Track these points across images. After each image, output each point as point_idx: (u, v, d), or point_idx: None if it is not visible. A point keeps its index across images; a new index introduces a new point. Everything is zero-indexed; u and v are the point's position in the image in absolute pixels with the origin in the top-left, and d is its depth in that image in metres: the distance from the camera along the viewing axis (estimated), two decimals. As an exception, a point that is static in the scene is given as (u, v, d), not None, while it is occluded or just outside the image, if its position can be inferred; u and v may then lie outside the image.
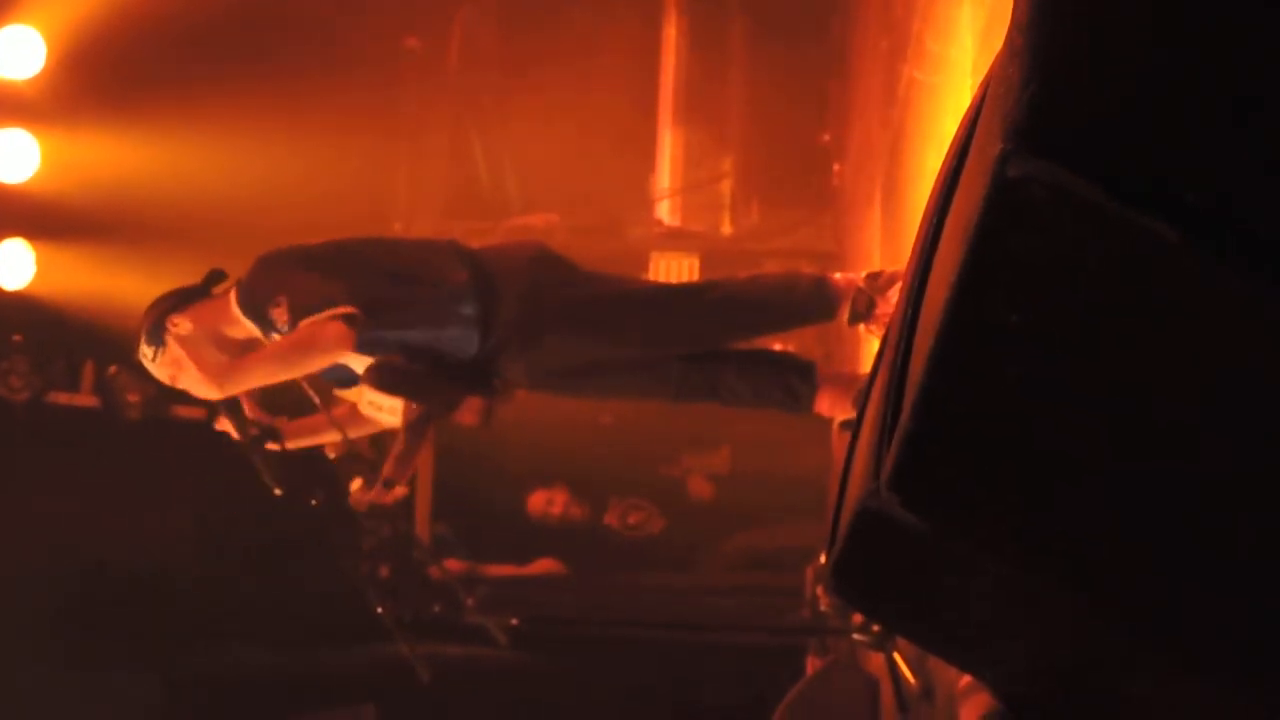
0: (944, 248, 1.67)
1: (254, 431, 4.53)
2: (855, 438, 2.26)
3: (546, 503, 7.95)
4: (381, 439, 5.15)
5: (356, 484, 4.72)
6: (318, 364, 4.48)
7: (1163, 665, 1.66)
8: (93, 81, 7.38)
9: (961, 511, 1.61)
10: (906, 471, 1.60)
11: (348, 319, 4.40)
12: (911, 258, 1.95)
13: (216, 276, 4.64)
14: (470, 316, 4.53)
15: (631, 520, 8.08)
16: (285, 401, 4.77)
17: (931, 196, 1.98)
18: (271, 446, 4.59)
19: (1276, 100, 1.22)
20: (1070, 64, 1.25)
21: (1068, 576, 1.60)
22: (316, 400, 4.70)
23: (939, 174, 1.98)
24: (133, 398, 6.67)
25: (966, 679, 3.81)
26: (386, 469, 4.71)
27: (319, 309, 4.39)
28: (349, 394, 4.72)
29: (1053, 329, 1.31)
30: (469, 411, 4.62)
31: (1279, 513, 1.35)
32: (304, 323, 4.39)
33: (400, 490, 4.77)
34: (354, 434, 4.84)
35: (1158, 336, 1.28)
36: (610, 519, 8.07)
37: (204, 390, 4.50)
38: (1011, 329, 1.31)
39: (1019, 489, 1.49)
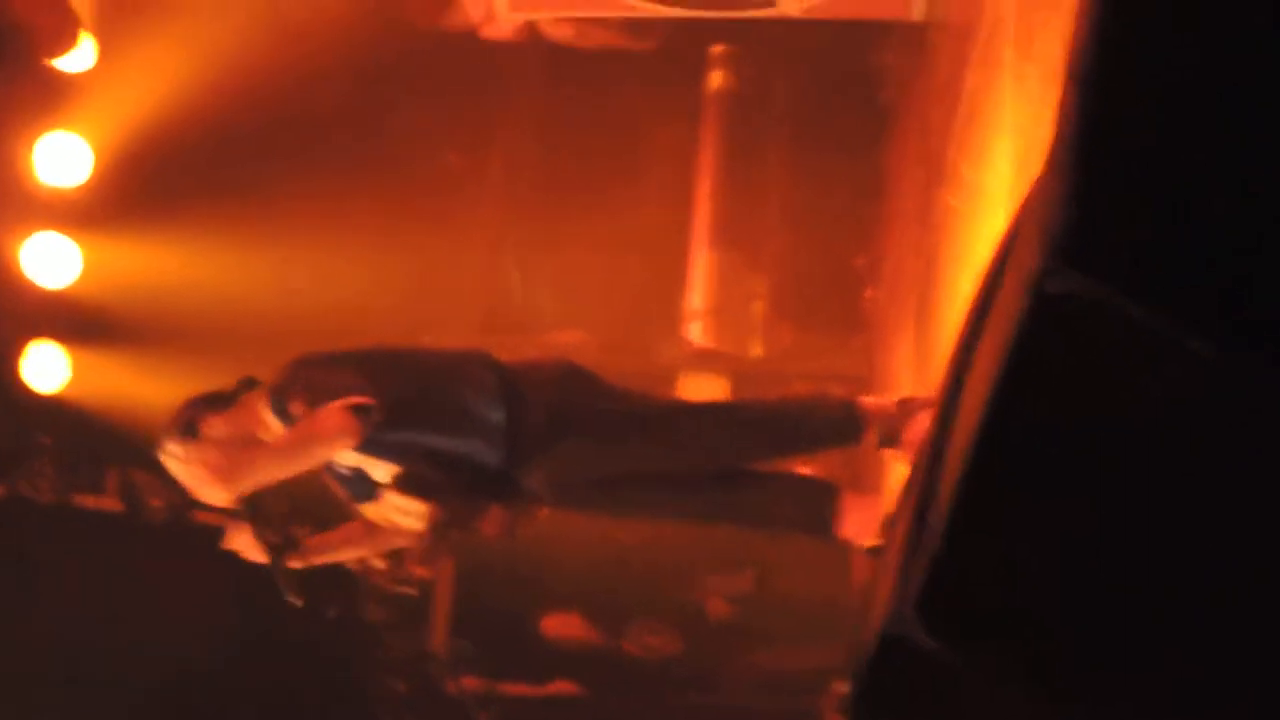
0: (977, 369, 1.64)
1: (275, 540, 4.49)
2: (882, 562, 2.22)
3: (561, 626, 7.92)
4: (399, 554, 5.12)
5: (382, 565, 4.67)
6: (322, 452, 4.39)
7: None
8: (136, 189, 7.45)
9: (984, 639, 1.57)
10: (932, 596, 1.56)
11: (359, 410, 4.36)
12: (944, 378, 1.93)
13: (249, 384, 4.62)
14: (496, 425, 4.50)
15: (649, 643, 8.02)
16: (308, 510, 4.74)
17: (966, 318, 1.96)
18: (291, 561, 4.54)
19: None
20: (1113, 182, 1.24)
21: (1094, 710, 1.55)
22: (352, 510, 4.66)
23: (974, 295, 1.96)
24: (156, 502, 6.67)
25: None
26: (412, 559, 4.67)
27: (336, 397, 4.35)
28: (368, 509, 4.69)
29: (1088, 448, 1.28)
30: (492, 522, 4.58)
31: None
32: (320, 410, 4.34)
33: (421, 571, 4.72)
34: (377, 548, 4.80)
35: (1196, 453, 1.25)
36: (627, 644, 8.02)
37: (212, 492, 4.43)
38: (1045, 449, 1.28)
39: (1049, 620, 1.45)
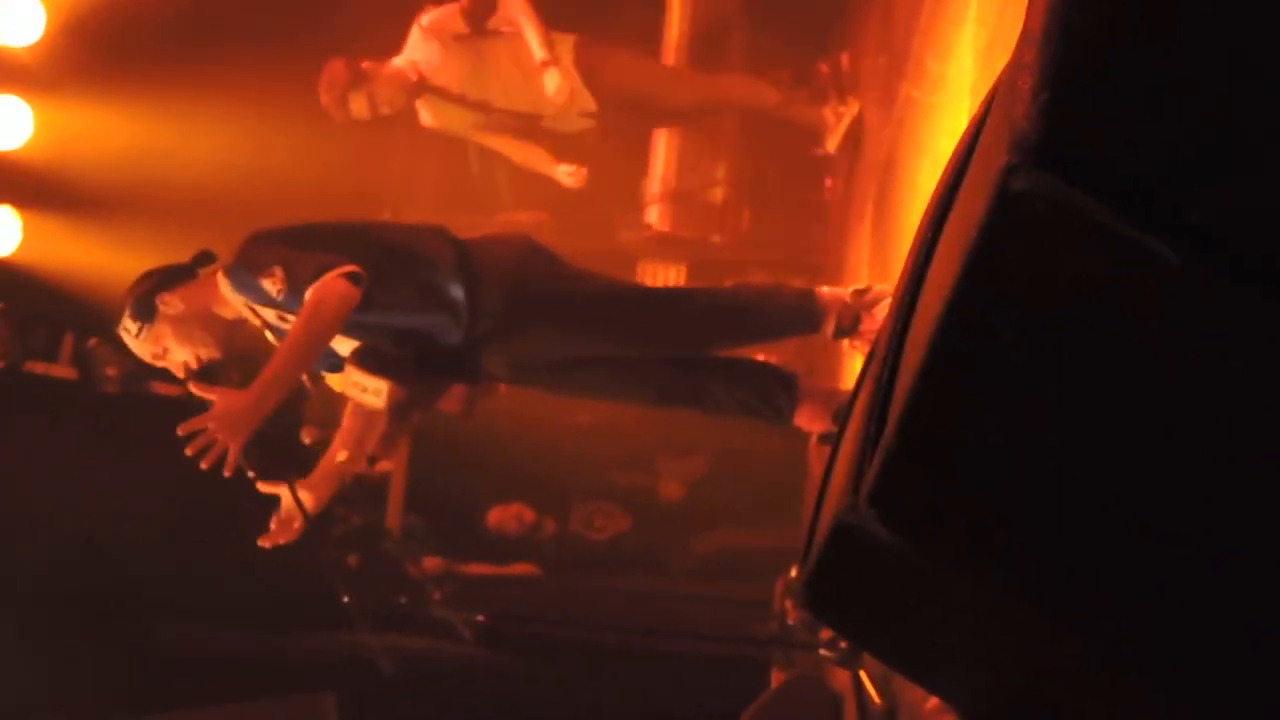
0: (938, 263, 1.65)
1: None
2: (835, 451, 2.24)
3: (507, 518, 7.99)
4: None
5: (342, 455, 4.68)
6: (336, 325, 4.31)
7: (1131, 689, 1.65)
8: (91, 52, 7.35)
9: (939, 530, 1.59)
10: (886, 488, 1.58)
11: (352, 277, 4.31)
12: (903, 272, 1.94)
13: (205, 257, 4.59)
14: (455, 301, 4.49)
15: (596, 523, 8.08)
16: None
17: (926, 211, 1.96)
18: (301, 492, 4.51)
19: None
20: (1081, 79, 1.24)
21: (1043, 598, 1.58)
22: (310, 386, 4.64)
23: (935, 189, 1.97)
24: (111, 371, 6.66)
25: (933, 701, 3.80)
26: (369, 446, 4.67)
27: (317, 275, 4.30)
28: (335, 379, 4.69)
29: (1047, 348, 1.30)
30: (452, 399, 4.59)
31: (1272, 538, 1.34)
32: (310, 289, 4.28)
33: (384, 465, 4.74)
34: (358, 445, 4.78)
35: (1154, 358, 1.27)
36: (575, 524, 8.08)
37: (236, 425, 4.15)
38: (1005, 346, 1.30)
39: (1000, 510, 1.47)
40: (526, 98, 7.02)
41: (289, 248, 4.44)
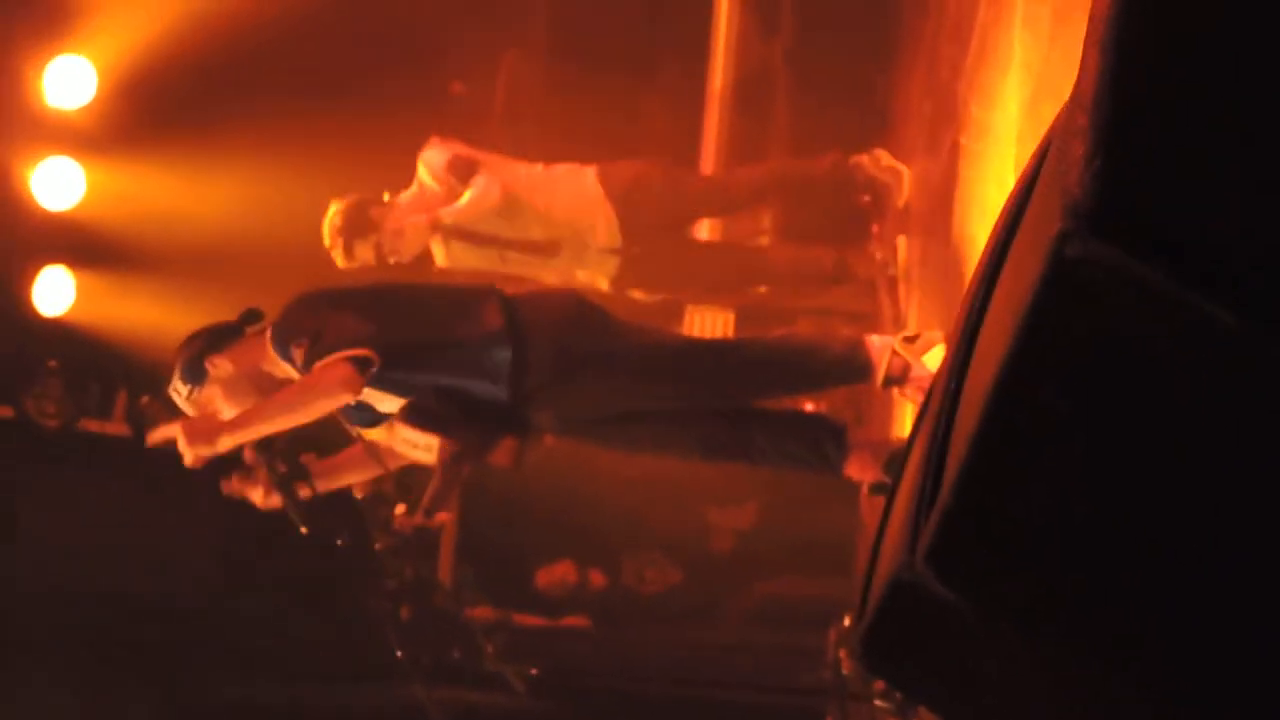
0: (991, 322, 1.65)
1: (282, 469, 4.51)
2: (890, 505, 2.24)
3: (553, 582, 7.95)
4: (405, 478, 5.14)
5: (400, 509, 4.70)
6: (322, 407, 4.40)
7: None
8: (141, 113, 7.44)
9: (995, 589, 1.59)
10: (943, 547, 1.58)
11: (359, 362, 4.37)
12: (956, 326, 1.94)
13: (253, 316, 4.63)
14: (500, 364, 4.52)
15: (647, 576, 8.07)
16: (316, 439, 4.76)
17: (979, 266, 1.97)
18: (301, 490, 4.55)
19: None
20: (1134, 144, 1.24)
21: (1099, 657, 1.58)
22: (353, 434, 4.68)
23: (987, 244, 1.97)
24: (164, 428, 6.69)
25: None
26: (426, 500, 4.69)
27: (335, 350, 4.37)
28: (374, 434, 4.71)
29: (1104, 414, 1.30)
30: (502, 452, 4.60)
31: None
32: (316, 365, 4.37)
33: (443, 517, 4.75)
34: (383, 469, 4.82)
35: (1213, 424, 1.26)
36: (626, 578, 8.07)
37: (198, 446, 4.37)
38: (1061, 412, 1.30)
39: (1058, 573, 1.47)
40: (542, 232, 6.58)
41: (329, 313, 4.48)
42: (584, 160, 6.61)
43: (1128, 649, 1.51)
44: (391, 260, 6.44)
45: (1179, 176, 1.24)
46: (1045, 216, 1.33)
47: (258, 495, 4.52)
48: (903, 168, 6.57)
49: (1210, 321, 1.22)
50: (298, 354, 4.42)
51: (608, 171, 6.52)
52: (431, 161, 6.52)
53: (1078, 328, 1.26)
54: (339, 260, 6.42)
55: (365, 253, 6.39)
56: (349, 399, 4.40)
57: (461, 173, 6.46)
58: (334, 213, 6.38)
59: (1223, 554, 1.34)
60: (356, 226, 6.38)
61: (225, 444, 4.37)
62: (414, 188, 6.55)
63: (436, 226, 6.44)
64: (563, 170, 6.57)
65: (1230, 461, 1.28)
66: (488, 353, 4.52)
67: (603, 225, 6.46)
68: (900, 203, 6.57)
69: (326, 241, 6.40)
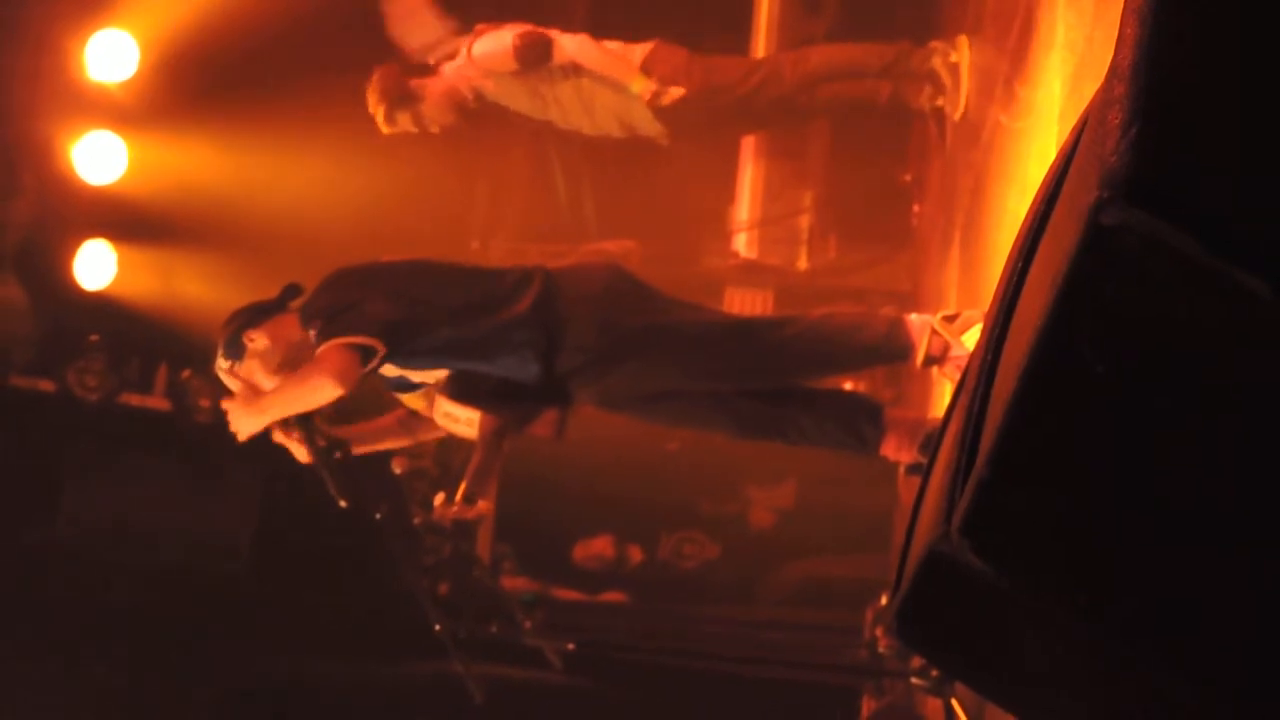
0: (1028, 294, 1.65)
1: (321, 443, 4.52)
2: (926, 480, 2.23)
3: (589, 557, 7.98)
4: (444, 456, 5.15)
5: (439, 499, 4.72)
6: (323, 395, 4.38)
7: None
8: (183, 87, 7.47)
9: (1034, 562, 1.59)
10: (979, 518, 1.58)
11: (363, 350, 4.37)
12: (994, 302, 1.93)
13: (293, 291, 4.65)
14: (530, 343, 4.52)
15: (685, 551, 8.09)
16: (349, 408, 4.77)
17: (1016, 241, 1.96)
18: (337, 454, 4.57)
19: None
20: (1171, 112, 1.24)
21: (1141, 635, 1.57)
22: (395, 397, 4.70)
23: (1025, 219, 1.96)
24: (204, 403, 6.74)
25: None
26: (466, 484, 4.70)
27: (343, 334, 4.37)
28: (410, 399, 4.73)
29: (1140, 382, 1.29)
30: (544, 423, 4.62)
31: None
32: (321, 348, 4.38)
33: (484, 505, 4.77)
34: (419, 438, 4.84)
35: (1248, 392, 1.26)
36: (663, 554, 8.09)
37: (240, 423, 4.44)
38: (1097, 379, 1.29)
39: (1096, 543, 1.46)
40: (589, 124, 6.86)
41: (356, 292, 4.49)
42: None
43: (1164, 621, 1.51)
44: (433, 129, 6.70)
45: (1217, 144, 1.24)
46: (1082, 186, 1.33)
47: (301, 453, 4.54)
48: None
49: (1244, 290, 1.21)
50: (312, 334, 4.43)
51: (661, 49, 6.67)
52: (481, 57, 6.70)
53: (1114, 293, 1.25)
54: (382, 127, 6.64)
55: (405, 121, 6.63)
56: (337, 392, 4.36)
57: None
58: (376, 79, 6.58)
59: (1265, 525, 1.33)
60: (395, 95, 6.57)
61: (255, 424, 4.39)
62: (461, 58, 6.71)
63: (477, 99, 6.72)
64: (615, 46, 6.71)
65: (1267, 430, 1.28)
66: (527, 334, 4.53)
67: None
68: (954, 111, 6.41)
69: (370, 105, 6.61)
